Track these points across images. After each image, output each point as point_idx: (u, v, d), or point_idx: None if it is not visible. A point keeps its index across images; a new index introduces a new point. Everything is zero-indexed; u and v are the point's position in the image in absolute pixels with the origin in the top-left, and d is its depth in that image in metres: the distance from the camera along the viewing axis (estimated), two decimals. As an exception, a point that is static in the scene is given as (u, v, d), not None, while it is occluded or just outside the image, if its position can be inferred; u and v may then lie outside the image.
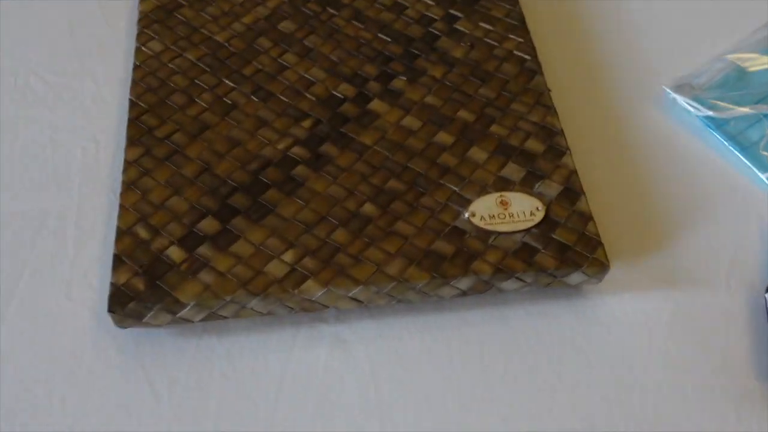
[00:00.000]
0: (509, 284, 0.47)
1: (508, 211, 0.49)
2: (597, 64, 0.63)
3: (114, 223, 0.51)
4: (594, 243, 0.48)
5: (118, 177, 0.54)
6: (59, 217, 0.52)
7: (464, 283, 0.46)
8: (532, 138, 0.53)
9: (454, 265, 0.46)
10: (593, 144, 0.57)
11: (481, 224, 0.48)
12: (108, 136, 0.57)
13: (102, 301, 0.48)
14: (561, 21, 0.66)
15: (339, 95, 0.55)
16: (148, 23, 0.60)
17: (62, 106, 0.58)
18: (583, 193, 0.50)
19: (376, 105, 0.55)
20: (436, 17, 0.61)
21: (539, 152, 0.52)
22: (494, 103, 0.55)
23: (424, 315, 0.48)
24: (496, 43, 0.59)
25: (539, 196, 0.50)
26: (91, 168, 0.55)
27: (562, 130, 0.53)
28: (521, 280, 0.47)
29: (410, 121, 0.54)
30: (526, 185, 0.50)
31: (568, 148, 0.52)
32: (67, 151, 0.56)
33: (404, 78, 0.57)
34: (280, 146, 0.52)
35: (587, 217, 0.49)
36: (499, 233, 0.48)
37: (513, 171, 0.51)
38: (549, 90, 0.56)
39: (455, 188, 0.50)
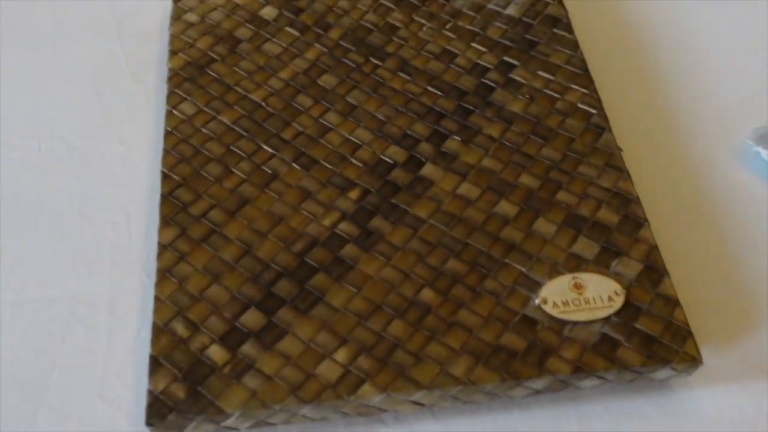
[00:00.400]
0: (588, 382, 0.42)
1: (584, 297, 0.44)
2: (669, 114, 0.58)
3: (148, 308, 0.48)
4: (683, 333, 0.42)
5: (151, 254, 0.50)
6: (90, 305, 0.48)
7: (539, 384, 0.41)
8: (604, 207, 0.48)
9: (526, 364, 0.41)
10: (669, 207, 0.52)
11: (554, 312, 0.43)
12: (139, 206, 0.53)
13: (138, 400, 0.44)
14: (626, 67, 0.61)
15: (388, 160, 0.51)
16: (179, 82, 0.56)
17: (90, 173, 0.55)
18: (667, 274, 0.45)
19: (429, 170, 0.50)
20: (489, 66, 0.56)
21: (613, 224, 0.47)
22: (559, 166, 0.50)
23: (492, 414, 0.43)
24: (557, 95, 0.54)
25: (617, 277, 0.44)
26: (122, 246, 0.51)
27: (637, 197, 0.48)
28: (602, 377, 0.42)
29: (468, 189, 0.49)
30: (601, 263, 0.45)
31: (645, 219, 0.47)
32: (96, 227, 0.52)
33: (458, 138, 0.52)
34: (326, 222, 0.48)
35: (674, 302, 0.43)
36: (575, 323, 0.43)
37: (585, 247, 0.46)
38: (620, 150, 0.51)
39: (522, 269, 0.45)
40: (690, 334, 0.42)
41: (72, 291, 0.49)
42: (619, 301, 0.43)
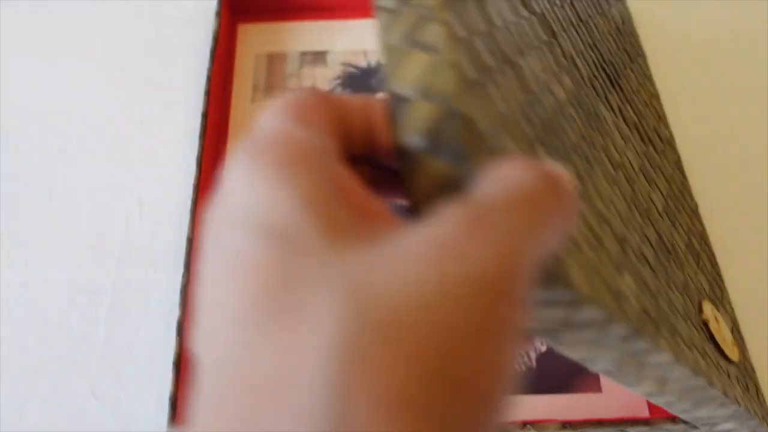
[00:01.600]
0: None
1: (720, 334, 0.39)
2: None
3: (151, 304, 0.47)
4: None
5: (160, 250, 0.49)
6: (91, 295, 0.47)
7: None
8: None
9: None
10: (736, 228, 0.48)
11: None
12: (152, 198, 0.51)
13: (130, 400, 0.43)
14: (695, 78, 0.57)
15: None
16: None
17: (108, 157, 0.53)
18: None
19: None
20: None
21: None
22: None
23: None
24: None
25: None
26: (132, 238, 0.49)
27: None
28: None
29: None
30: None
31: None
32: (108, 215, 0.50)
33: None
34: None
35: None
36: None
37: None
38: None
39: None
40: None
41: (75, 278, 0.47)
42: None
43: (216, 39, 0.55)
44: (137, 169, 0.53)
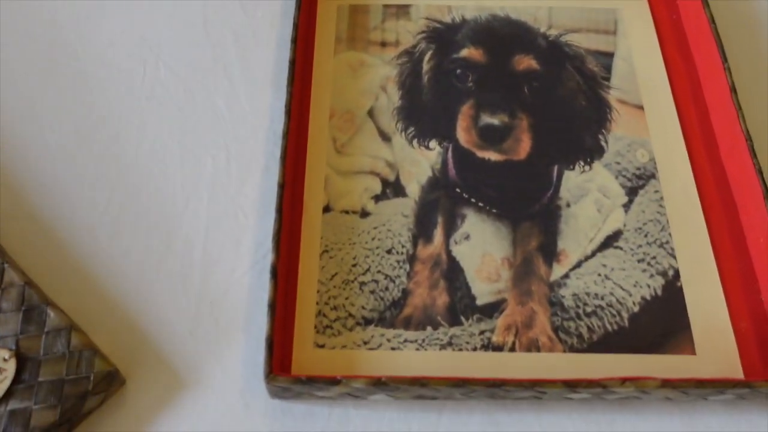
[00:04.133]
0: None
1: None
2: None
3: (244, 246, 0.47)
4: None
5: (249, 194, 0.49)
6: (185, 240, 0.47)
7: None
8: None
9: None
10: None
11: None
12: (240, 144, 0.51)
13: (230, 343, 0.43)
14: (762, 62, 0.56)
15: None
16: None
17: (193, 105, 0.53)
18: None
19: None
20: (620, 35, 0.52)
21: None
22: None
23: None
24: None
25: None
26: (220, 182, 0.50)
27: None
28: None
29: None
30: None
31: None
32: (196, 160, 0.51)
33: (582, 109, 0.48)
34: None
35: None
36: None
37: None
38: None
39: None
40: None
41: (168, 224, 0.48)
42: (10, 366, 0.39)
43: (302, -12, 0.55)
44: (222, 115, 0.53)
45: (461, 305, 0.44)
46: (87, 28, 0.57)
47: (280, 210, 0.45)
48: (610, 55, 0.55)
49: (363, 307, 0.44)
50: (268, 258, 0.46)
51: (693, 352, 0.43)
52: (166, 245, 0.47)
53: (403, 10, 0.57)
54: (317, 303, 0.44)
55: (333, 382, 0.39)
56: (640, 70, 0.54)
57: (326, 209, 0.48)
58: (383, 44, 0.55)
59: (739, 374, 0.42)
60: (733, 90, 0.50)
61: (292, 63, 0.51)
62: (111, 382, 0.41)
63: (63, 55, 0.55)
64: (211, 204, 0.49)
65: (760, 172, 0.46)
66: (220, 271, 0.46)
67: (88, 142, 0.51)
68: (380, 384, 0.39)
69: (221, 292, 0.45)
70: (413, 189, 0.49)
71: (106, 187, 0.49)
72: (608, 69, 0.54)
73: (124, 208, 0.48)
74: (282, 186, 0.46)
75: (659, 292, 0.45)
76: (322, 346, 0.43)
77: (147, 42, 0.56)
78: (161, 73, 0.55)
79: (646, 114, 0.52)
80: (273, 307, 0.41)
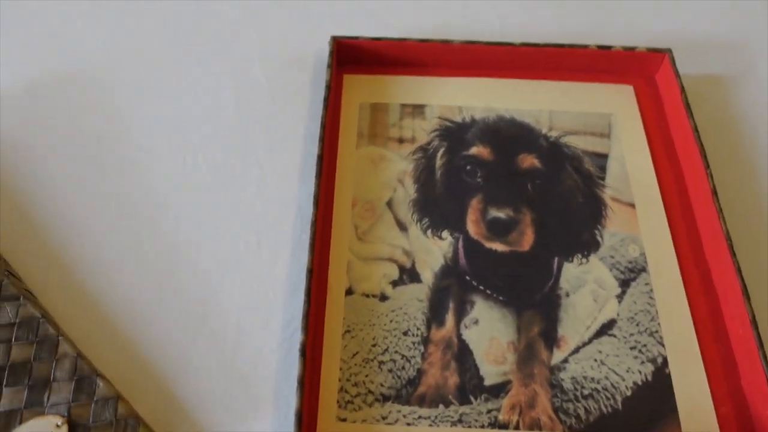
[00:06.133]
0: None
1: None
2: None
3: (273, 325, 0.51)
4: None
5: (279, 278, 0.54)
6: (221, 318, 0.52)
7: None
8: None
9: None
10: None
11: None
12: (270, 230, 0.56)
13: (256, 415, 0.48)
14: (741, 166, 0.63)
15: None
16: (321, 117, 0.60)
17: (227, 191, 0.59)
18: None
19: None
20: (614, 141, 0.58)
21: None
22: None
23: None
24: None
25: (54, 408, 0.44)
26: (252, 262, 0.55)
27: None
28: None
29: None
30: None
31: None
32: (229, 242, 0.56)
33: (580, 208, 0.54)
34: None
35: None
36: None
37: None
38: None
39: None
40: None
41: (203, 303, 0.53)
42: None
43: (329, 88, 0.61)
44: (253, 203, 0.58)
45: (470, 385, 0.49)
46: (133, 118, 0.63)
47: (309, 293, 0.50)
48: (604, 157, 0.61)
49: (381, 385, 0.49)
50: (295, 336, 0.51)
51: (681, 435, 0.47)
52: (202, 322, 0.52)
53: (418, 110, 0.63)
54: (339, 380, 0.49)
55: (356, 454, 0.43)
56: (632, 171, 0.60)
57: (348, 292, 0.53)
58: (401, 140, 0.61)
59: (724, 457, 0.47)
60: (715, 193, 0.55)
61: (320, 158, 0.56)
62: (151, 449, 0.45)
63: (110, 141, 0.61)
64: (244, 285, 0.54)
65: (739, 270, 0.51)
66: (250, 347, 0.51)
67: (130, 223, 0.56)
68: (399, 458, 0.43)
69: (251, 367, 0.50)
70: (427, 276, 0.54)
71: (148, 267, 0.54)
72: (603, 169, 0.60)
73: (163, 287, 0.53)
74: (310, 271, 0.51)
75: (649, 378, 0.49)
76: (344, 420, 0.47)
77: (186, 133, 0.62)
78: (199, 161, 0.60)
79: (637, 212, 0.57)
80: (302, 383, 0.46)
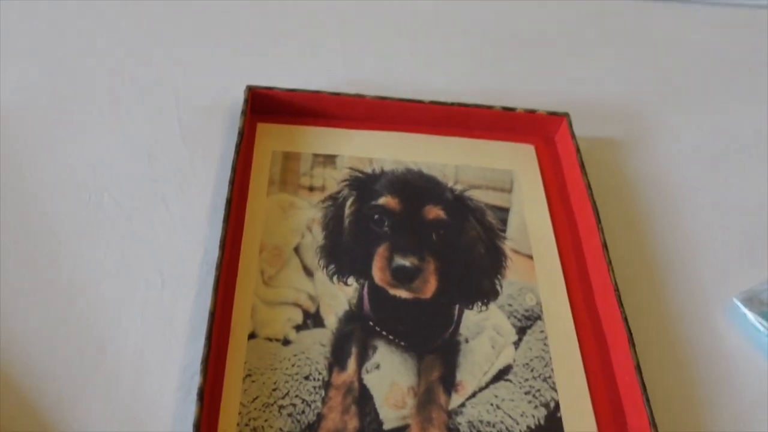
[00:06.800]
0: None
1: None
2: (667, 265, 0.63)
3: (173, 366, 0.50)
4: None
5: (182, 319, 0.53)
6: (116, 363, 0.51)
7: None
8: None
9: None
10: (662, 356, 0.56)
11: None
12: (175, 270, 0.56)
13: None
14: (632, 216, 0.67)
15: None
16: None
17: (132, 231, 0.58)
18: None
19: (450, 283, 0.54)
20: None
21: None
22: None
23: None
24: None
25: None
26: (153, 304, 0.54)
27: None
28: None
29: (483, 307, 0.53)
30: None
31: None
32: (130, 282, 0.55)
33: (480, 257, 0.56)
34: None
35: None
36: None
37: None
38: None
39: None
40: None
41: (101, 338, 0.51)
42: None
43: (241, 135, 0.62)
44: (159, 244, 0.58)
45: (369, 429, 0.49)
46: (36, 153, 0.62)
47: (210, 336, 0.49)
48: (506, 210, 0.64)
49: (281, 429, 0.48)
50: (195, 380, 0.50)
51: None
52: (97, 362, 0.50)
53: (329, 160, 0.65)
54: (238, 424, 0.48)
55: (250, 500, 0.43)
56: (531, 225, 0.63)
57: (251, 336, 0.52)
58: (311, 188, 0.63)
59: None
60: (605, 247, 0.59)
61: (229, 202, 0.57)
62: (33, 497, 0.43)
63: (12, 176, 0.60)
64: (144, 326, 0.53)
65: (625, 319, 0.54)
66: (148, 390, 0.49)
67: (27, 259, 0.55)
68: (293, 502, 0.43)
69: (148, 411, 0.48)
70: (331, 321, 0.54)
71: (40, 302, 0.53)
72: (504, 222, 0.63)
73: (55, 324, 0.52)
74: (212, 314, 0.50)
75: (542, 422, 0.51)
76: (241, 466, 0.46)
77: (94, 171, 0.61)
78: (105, 200, 0.60)
79: (534, 263, 0.60)
80: (198, 427, 0.45)
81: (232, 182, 0.58)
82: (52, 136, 0.63)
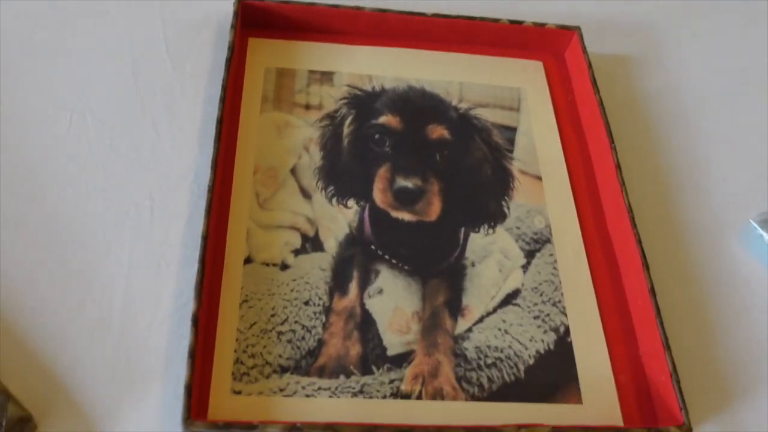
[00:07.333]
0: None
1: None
2: (681, 187, 0.60)
3: (164, 296, 0.48)
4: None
5: (172, 244, 0.51)
6: (104, 287, 0.48)
7: None
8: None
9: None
10: (674, 278, 0.54)
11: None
12: (164, 195, 0.53)
13: (144, 392, 0.44)
14: (647, 137, 0.64)
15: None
16: (222, 78, 0.56)
17: (118, 154, 0.55)
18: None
19: (455, 204, 0.51)
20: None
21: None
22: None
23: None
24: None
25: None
26: (143, 231, 0.51)
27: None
28: None
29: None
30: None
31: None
32: (119, 208, 0.52)
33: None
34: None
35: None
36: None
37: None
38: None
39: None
40: None
41: (89, 269, 0.49)
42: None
43: (231, 50, 0.58)
44: (147, 167, 0.54)
45: (373, 355, 0.47)
46: (11, 73, 0.58)
47: (203, 260, 0.47)
48: (513, 130, 0.60)
49: (280, 356, 0.46)
50: (189, 307, 0.47)
51: (580, 401, 0.47)
52: (85, 291, 0.48)
53: (326, 77, 0.61)
54: (235, 351, 0.46)
55: (250, 427, 0.41)
56: (539, 145, 0.60)
57: (247, 261, 0.50)
58: (307, 107, 0.59)
59: (619, 422, 0.47)
60: (618, 168, 0.56)
61: (220, 121, 0.53)
62: (24, 427, 0.41)
63: (-13, 98, 0.56)
64: (134, 252, 0.50)
65: (639, 242, 0.52)
66: (139, 318, 0.47)
67: (9, 186, 0.52)
68: (295, 429, 0.41)
69: (140, 339, 0.46)
70: (331, 245, 0.52)
71: (27, 231, 0.50)
72: (511, 142, 0.60)
73: (42, 253, 0.49)
74: (205, 238, 0.48)
75: (552, 347, 0.49)
76: (239, 393, 0.45)
77: (74, 90, 0.57)
78: (88, 121, 0.56)
79: (543, 184, 0.57)
80: (193, 354, 0.43)
81: (222, 100, 0.54)
82: (29, 54, 0.59)
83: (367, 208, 0.54)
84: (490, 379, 0.47)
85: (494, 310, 0.50)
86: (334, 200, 0.54)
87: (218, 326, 0.47)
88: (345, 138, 0.57)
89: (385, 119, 0.58)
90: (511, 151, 0.59)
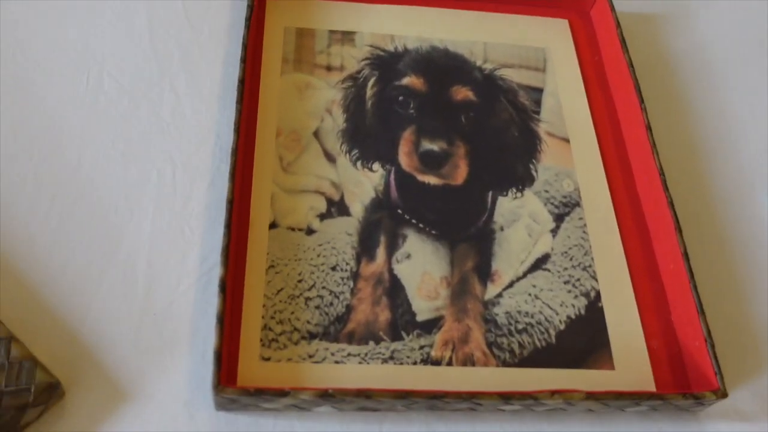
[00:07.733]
0: (622, 399, 0.43)
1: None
2: (712, 148, 0.59)
3: (188, 260, 0.47)
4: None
5: (195, 208, 0.50)
6: (129, 254, 0.47)
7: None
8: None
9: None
10: (707, 242, 0.53)
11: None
12: (186, 158, 0.52)
13: (172, 360, 0.44)
14: (673, 104, 0.62)
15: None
16: (242, 38, 0.55)
17: (138, 116, 0.53)
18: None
19: (484, 167, 0.50)
20: (550, 73, 0.56)
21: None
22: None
23: (521, 416, 0.44)
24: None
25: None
26: (166, 194, 0.50)
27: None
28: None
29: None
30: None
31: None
32: (140, 172, 0.51)
33: (515, 140, 0.52)
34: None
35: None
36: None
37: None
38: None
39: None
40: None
41: (110, 235, 0.48)
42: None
43: (251, 8, 0.56)
44: (167, 129, 0.53)
45: (402, 321, 0.46)
46: (27, 33, 0.56)
47: (229, 225, 0.46)
48: (539, 90, 0.59)
49: (308, 322, 0.45)
50: (214, 272, 0.47)
51: (612, 367, 0.47)
52: (108, 257, 0.47)
53: (348, 37, 0.59)
54: (263, 317, 0.45)
55: (281, 393, 0.40)
56: (566, 106, 0.58)
57: (272, 225, 0.49)
58: (329, 68, 0.57)
59: (651, 387, 0.46)
60: (649, 128, 0.54)
61: (242, 82, 0.52)
62: (51, 394, 0.40)
63: (4, 59, 0.54)
64: (156, 217, 0.49)
65: (671, 204, 0.51)
66: (164, 283, 0.46)
67: (27, 149, 0.50)
68: (327, 396, 0.41)
69: (165, 304, 0.46)
70: (357, 209, 0.51)
71: (46, 196, 0.49)
72: (538, 103, 0.58)
73: (64, 218, 0.48)
74: (231, 202, 0.46)
75: (583, 312, 0.48)
76: (268, 359, 0.44)
77: (91, 51, 0.56)
78: (105, 82, 0.54)
79: (571, 146, 0.56)
80: (221, 320, 0.42)
81: (243, 60, 0.53)
82: (43, 14, 0.57)
83: (392, 171, 0.52)
84: (521, 345, 0.47)
85: (524, 275, 0.49)
86: (358, 164, 0.53)
87: (245, 292, 0.46)
88: (368, 100, 0.56)
89: (408, 80, 0.57)
90: (538, 113, 0.57)
